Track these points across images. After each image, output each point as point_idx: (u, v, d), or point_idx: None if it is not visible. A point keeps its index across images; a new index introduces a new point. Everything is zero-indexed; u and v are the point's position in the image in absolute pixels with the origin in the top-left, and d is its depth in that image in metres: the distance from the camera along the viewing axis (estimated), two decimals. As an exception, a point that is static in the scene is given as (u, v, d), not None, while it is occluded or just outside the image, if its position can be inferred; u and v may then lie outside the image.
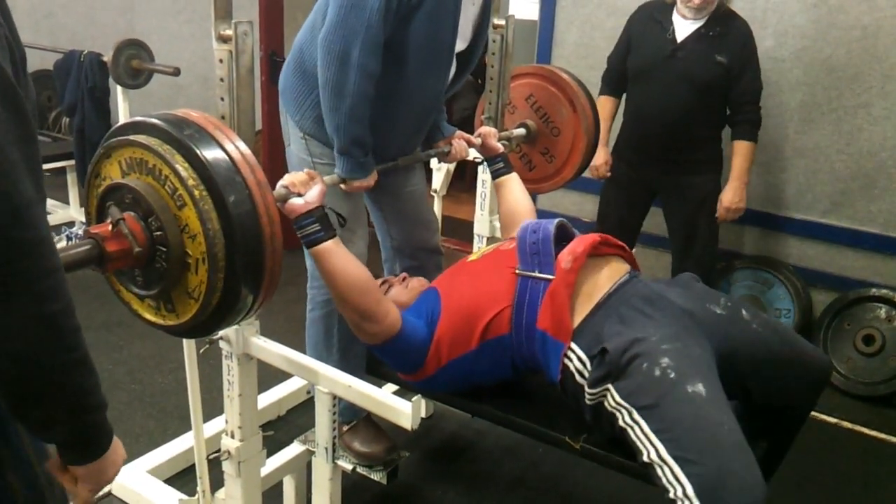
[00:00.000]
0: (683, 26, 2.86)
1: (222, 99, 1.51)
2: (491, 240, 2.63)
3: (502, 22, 2.31)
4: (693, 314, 1.62)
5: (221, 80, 1.50)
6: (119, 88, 3.75)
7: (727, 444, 1.38)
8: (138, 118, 1.25)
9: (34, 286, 0.86)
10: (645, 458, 1.42)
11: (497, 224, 2.49)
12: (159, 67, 3.76)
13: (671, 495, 1.37)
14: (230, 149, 1.21)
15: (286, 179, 1.59)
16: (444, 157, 2.20)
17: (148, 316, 1.35)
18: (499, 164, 2.24)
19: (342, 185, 1.86)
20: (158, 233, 1.20)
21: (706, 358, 1.54)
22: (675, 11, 2.88)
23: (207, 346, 1.79)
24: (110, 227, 1.21)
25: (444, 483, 2.44)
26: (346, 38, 1.72)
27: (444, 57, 1.95)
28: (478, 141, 2.21)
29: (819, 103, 3.19)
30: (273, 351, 1.76)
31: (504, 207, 2.22)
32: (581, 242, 1.70)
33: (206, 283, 1.21)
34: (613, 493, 2.39)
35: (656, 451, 1.40)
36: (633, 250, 2.64)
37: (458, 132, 2.23)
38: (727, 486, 1.34)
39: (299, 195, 1.59)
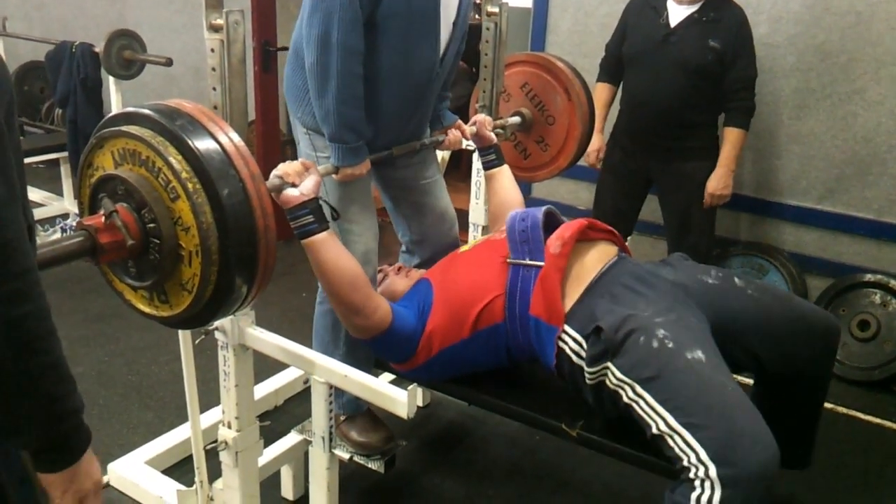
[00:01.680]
0: (677, 11, 2.85)
1: (214, 89, 1.51)
2: (486, 228, 2.62)
3: (496, 9, 2.30)
4: (685, 286, 1.64)
5: (213, 69, 1.49)
6: (111, 79, 3.74)
7: (733, 404, 1.39)
8: (131, 109, 1.24)
9: (1, 289, 0.84)
10: (654, 430, 1.43)
11: (493, 212, 2.48)
12: (151, 58, 3.75)
13: (685, 462, 1.38)
14: (224, 141, 1.21)
15: (280, 169, 1.59)
16: (437, 146, 2.19)
17: (141, 306, 1.35)
18: (490, 156, 2.23)
19: (335, 175, 1.85)
20: (151, 225, 1.20)
21: (701, 327, 1.55)
22: None
23: (203, 336, 1.78)
24: (103, 219, 1.20)
25: (441, 471, 2.45)
26: (323, 20, 1.71)
27: (430, 27, 1.89)
28: (472, 129, 2.20)
29: (813, 89, 3.18)
30: (269, 341, 1.76)
31: (494, 200, 2.21)
32: (569, 228, 1.71)
33: (199, 275, 1.21)
34: (610, 479, 2.40)
35: (665, 421, 1.41)
36: (629, 238, 2.67)
37: (458, 121, 2.22)
38: (740, 445, 1.35)
39: (293, 185, 1.58)
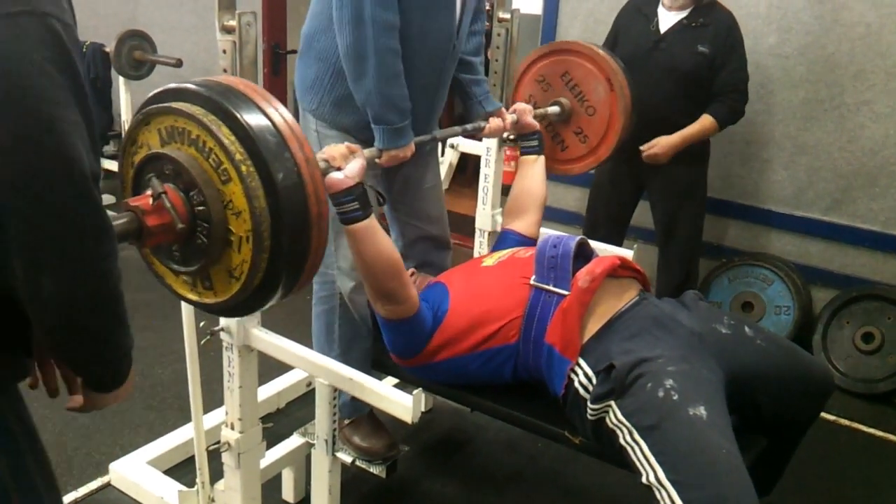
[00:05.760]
0: (667, 18, 2.87)
1: (226, 90, 1.50)
2: (492, 234, 2.62)
3: (507, 16, 2.30)
4: (701, 336, 1.63)
5: (224, 70, 1.50)
6: (121, 79, 3.76)
7: (724, 468, 1.37)
8: (179, 84, 1.17)
9: (103, 243, 0.93)
10: (643, 480, 1.43)
11: (499, 219, 2.47)
12: (161, 59, 3.77)
13: None
14: (277, 120, 1.14)
15: (325, 152, 1.54)
16: (478, 132, 2.15)
17: (183, 292, 1.28)
18: (532, 142, 2.21)
19: (378, 160, 1.79)
20: (201, 208, 1.14)
21: (713, 380, 1.55)
22: (660, 3, 2.89)
23: (208, 337, 1.78)
24: (151, 200, 1.13)
25: (442, 477, 2.44)
26: None
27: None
28: (512, 118, 2.17)
29: (822, 100, 3.18)
30: (274, 343, 1.76)
31: (518, 186, 2.19)
32: (600, 263, 1.70)
33: (249, 262, 1.15)
34: (612, 487, 2.39)
35: (654, 473, 1.41)
36: (635, 246, 2.66)
37: (501, 108, 2.17)
38: None
39: (338, 169, 1.54)
